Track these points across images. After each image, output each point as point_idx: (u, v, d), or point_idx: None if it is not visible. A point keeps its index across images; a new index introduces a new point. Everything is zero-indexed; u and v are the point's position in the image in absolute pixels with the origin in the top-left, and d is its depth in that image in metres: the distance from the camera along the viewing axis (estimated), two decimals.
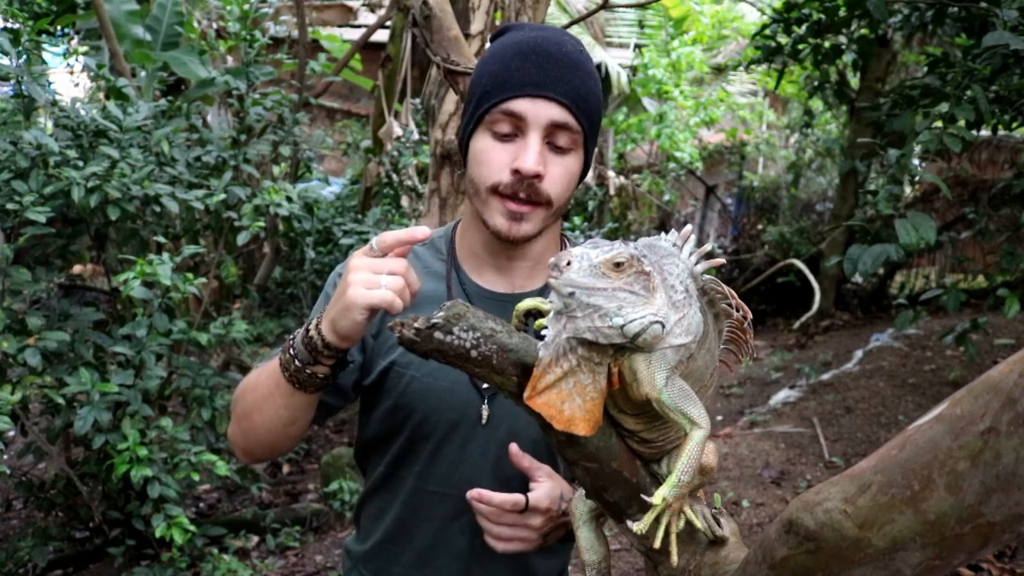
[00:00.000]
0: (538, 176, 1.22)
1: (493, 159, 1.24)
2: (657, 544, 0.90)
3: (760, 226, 10.30)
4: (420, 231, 1.11)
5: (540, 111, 1.21)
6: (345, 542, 1.52)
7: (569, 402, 0.84)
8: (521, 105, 1.21)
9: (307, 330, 1.16)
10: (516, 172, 1.21)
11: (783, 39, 4.51)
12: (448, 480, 1.34)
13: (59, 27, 5.31)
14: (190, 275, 3.14)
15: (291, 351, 1.17)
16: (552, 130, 1.22)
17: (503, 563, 1.37)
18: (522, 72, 1.21)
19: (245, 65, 3.97)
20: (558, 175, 1.24)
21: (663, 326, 0.82)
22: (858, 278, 7.70)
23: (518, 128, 1.23)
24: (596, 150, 1.35)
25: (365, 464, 1.47)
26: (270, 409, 1.24)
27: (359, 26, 9.66)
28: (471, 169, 1.28)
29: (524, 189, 1.22)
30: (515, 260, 1.35)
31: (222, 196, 3.35)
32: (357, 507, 1.50)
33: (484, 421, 1.31)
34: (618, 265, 0.81)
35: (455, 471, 1.33)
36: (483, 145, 1.25)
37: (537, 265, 1.37)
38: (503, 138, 1.23)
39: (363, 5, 9.22)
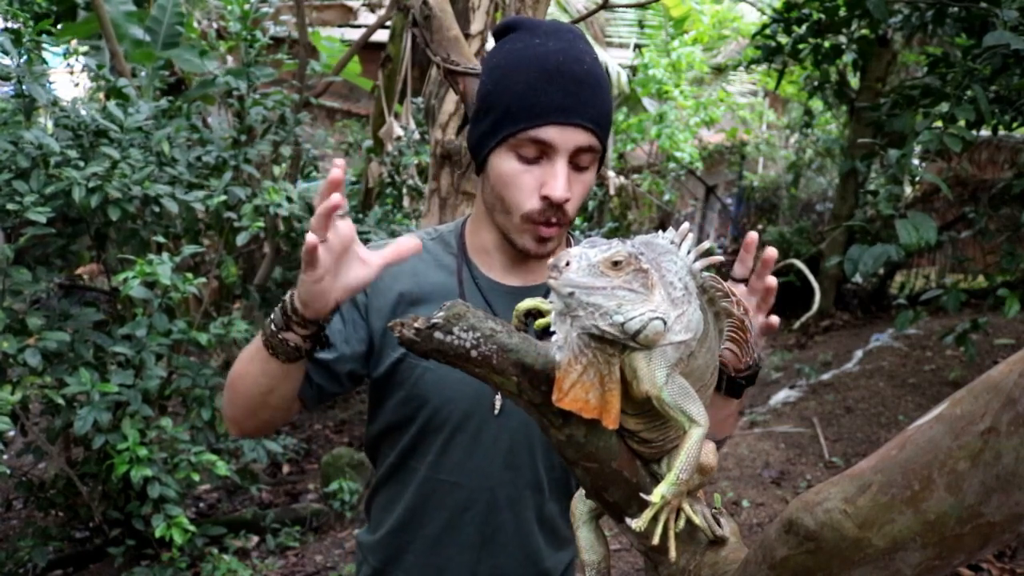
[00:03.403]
0: (567, 201, 1.25)
1: (523, 184, 1.25)
2: (656, 541, 0.90)
3: (760, 226, 10.30)
4: (336, 175, 1.07)
5: (568, 138, 1.23)
6: (357, 535, 1.52)
7: (593, 391, 0.84)
8: (550, 133, 1.22)
9: (287, 296, 1.19)
10: (545, 199, 1.24)
11: (783, 39, 4.51)
12: (460, 470, 1.34)
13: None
14: (190, 275, 3.14)
15: (271, 315, 1.20)
16: (577, 153, 1.25)
17: (513, 553, 1.37)
18: (549, 97, 1.21)
19: (245, 65, 3.97)
20: (579, 193, 1.28)
21: (664, 322, 0.82)
22: (858, 278, 7.69)
23: (544, 152, 1.24)
24: None
25: (375, 455, 1.47)
26: (250, 375, 1.25)
27: (359, 26, 9.66)
28: (498, 188, 1.28)
29: (554, 214, 1.26)
30: (528, 260, 1.37)
31: (223, 198, 3.35)
32: (368, 499, 1.50)
33: (497, 411, 1.32)
34: (616, 263, 0.81)
35: (467, 461, 1.33)
36: (509, 168, 1.26)
37: (546, 259, 1.38)
38: (529, 161, 1.25)
39: (363, 5, 9.21)
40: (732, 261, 1.21)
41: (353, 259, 1.14)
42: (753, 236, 1.22)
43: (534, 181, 1.24)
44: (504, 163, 1.26)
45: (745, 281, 1.23)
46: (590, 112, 1.23)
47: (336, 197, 1.07)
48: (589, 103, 1.23)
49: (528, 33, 1.28)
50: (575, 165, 1.26)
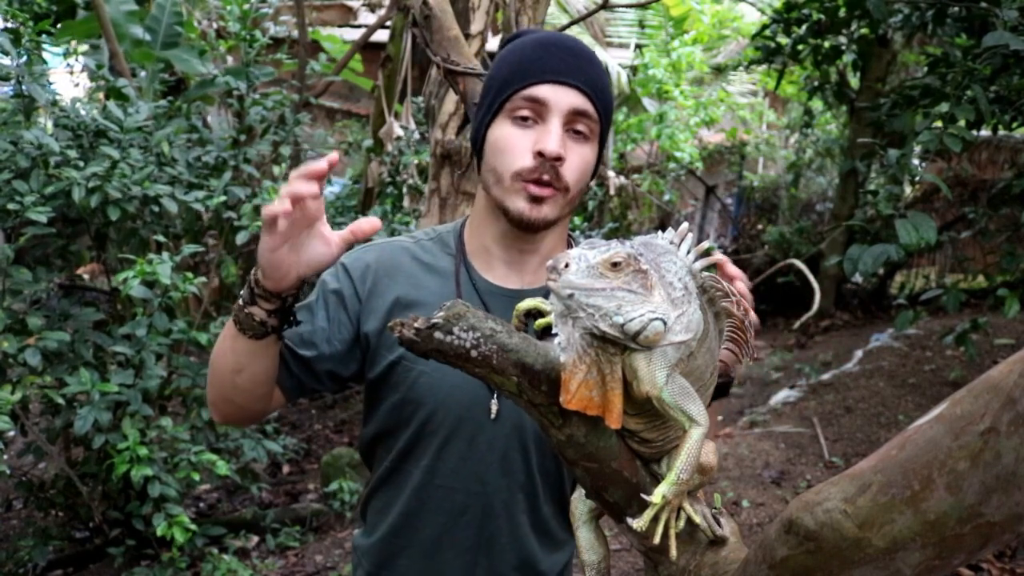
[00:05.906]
0: (560, 159, 1.24)
1: (516, 144, 1.26)
2: (656, 541, 0.90)
3: (760, 226, 10.30)
4: (318, 165, 1.09)
5: (562, 97, 1.24)
6: (353, 537, 1.52)
7: (597, 390, 0.85)
8: (544, 91, 1.24)
9: (254, 268, 1.20)
10: (539, 155, 1.24)
11: (783, 39, 4.51)
12: (455, 474, 1.34)
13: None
14: (190, 275, 3.14)
15: (240, 291, 1.21)
16: (572, 117, 1.25)
17: (509, 556, 1.37)
18: (544, 60, 1.25)
19: (245, 65, 3.97)
20: (576, 162, 1.27)
21: (664, 323, 0.82)
22: (858, 278, 7.70)
23: (539, 114, 1.25)
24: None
25: (371, 458, 1.46)
26: (222, 352, 1.27)
27: (359, 26, 9.66)
28: (491, 158, 1.29)
29: (547, 171, 1.25)
30: (527, 254, 1.36)
31: (222, 198, 3.35)
32: (363, 501, 1.50)
33: (493, 416, 1.31)
34: (615, 265, 0.81)
35: (463, 466, 1.33)
36: (504, 132, 1.27)
37: (547, 260, 1.38)
38: (524, 124, 1.26)
39: (363, 5, 9.22)
40: (732, 262, 1.21)
41: (316, 237, 1.16)
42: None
43: (528, 142, 1.25)
44: (499, 130, 1.28)
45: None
46: (584, 76, 1.26)
47: (311, 187, 1.09)
48: (583, 69, 1.26)
49: (531, 33, 1.36)
50: (573, 132, 1.27)
